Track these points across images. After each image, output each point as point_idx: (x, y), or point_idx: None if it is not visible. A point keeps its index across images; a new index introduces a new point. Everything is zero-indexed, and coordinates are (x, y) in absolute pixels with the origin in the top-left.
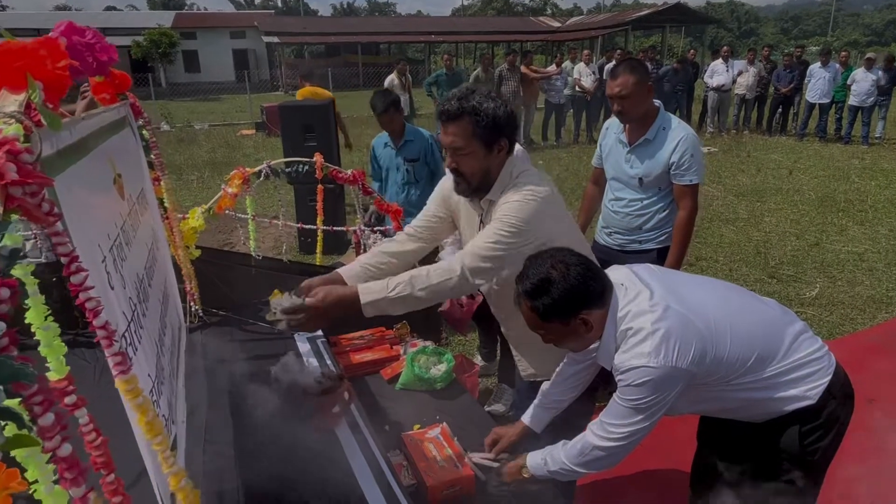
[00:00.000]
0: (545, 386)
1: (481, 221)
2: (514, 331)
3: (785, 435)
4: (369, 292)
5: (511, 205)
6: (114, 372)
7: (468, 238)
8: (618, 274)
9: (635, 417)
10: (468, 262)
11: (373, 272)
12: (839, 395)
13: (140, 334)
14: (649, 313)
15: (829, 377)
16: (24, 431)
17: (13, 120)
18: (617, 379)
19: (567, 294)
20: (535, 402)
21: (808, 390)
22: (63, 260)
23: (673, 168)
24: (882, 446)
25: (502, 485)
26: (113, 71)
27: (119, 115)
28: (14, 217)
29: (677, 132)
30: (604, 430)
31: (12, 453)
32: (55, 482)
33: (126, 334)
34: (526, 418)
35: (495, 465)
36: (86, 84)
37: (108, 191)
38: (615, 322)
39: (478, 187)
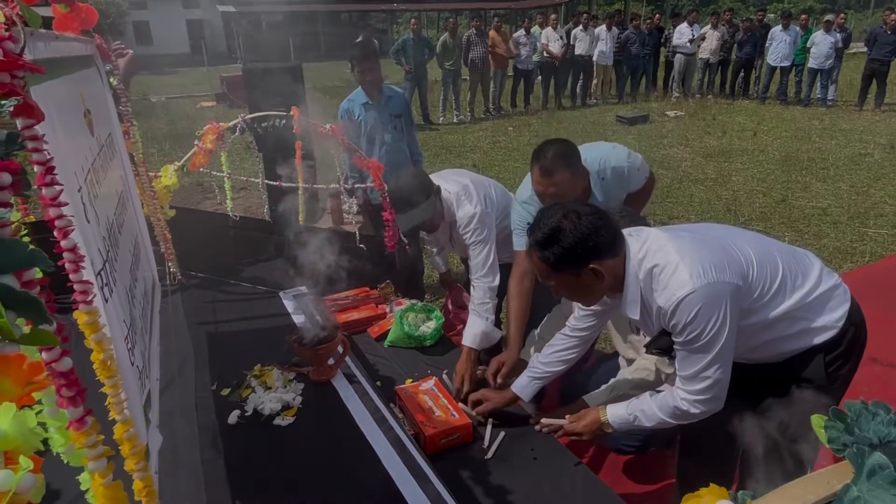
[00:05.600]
0: (536, 357)
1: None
2: None
3: (810, 367)
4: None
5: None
6: (77, 300)
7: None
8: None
9: (706, 358)
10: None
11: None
12: (857, 321)
13: (114, 277)
14: (670, 246)
15: (848, 304)
16: (45, 327)
17: None
18: (670, 326)
19: (578, 243)
20: (526, 371)
21: (834, 319)
22: (37, 169)
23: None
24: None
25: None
26: (77, 3)
27: (86, 52)
28: (4, 103)
29: (617, 169)
30: (687, 391)
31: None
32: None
33: (102, 273)
34: (516, 387)
35: (563, 422)
36: (119, 42)
37: (79, 122)
38: (634, 266)
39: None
